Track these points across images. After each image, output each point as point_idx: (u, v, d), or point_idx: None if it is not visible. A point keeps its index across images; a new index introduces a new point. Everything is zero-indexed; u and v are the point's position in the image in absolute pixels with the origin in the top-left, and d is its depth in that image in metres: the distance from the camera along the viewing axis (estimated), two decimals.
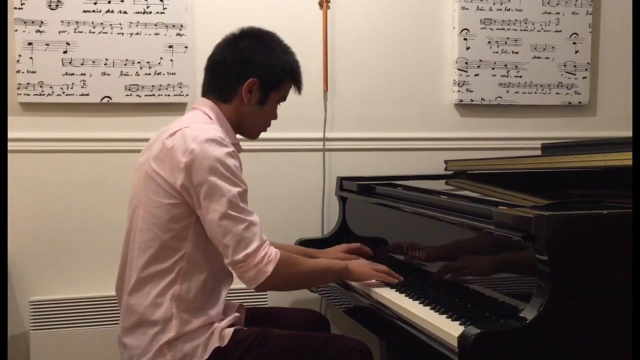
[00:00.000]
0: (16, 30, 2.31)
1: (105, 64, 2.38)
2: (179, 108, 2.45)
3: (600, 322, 1.40)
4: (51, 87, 2.35)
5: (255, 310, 2.02)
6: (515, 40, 2.74)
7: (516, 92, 2.76)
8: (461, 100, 2.71)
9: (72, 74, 2.36)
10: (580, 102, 2.83)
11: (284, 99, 1.85)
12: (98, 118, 2.42)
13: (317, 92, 2.59)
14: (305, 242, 2.35)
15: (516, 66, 2.75)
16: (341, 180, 2.50)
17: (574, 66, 2.80)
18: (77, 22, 2.35)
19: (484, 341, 1.32)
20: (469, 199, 1.90)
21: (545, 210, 1.42)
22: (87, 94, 2.38)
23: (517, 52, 2.74)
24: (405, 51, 2.68)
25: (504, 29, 2.72)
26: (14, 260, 2.36)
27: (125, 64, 2.40)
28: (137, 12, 2.39)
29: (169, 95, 2.44)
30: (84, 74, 2.37)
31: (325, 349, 1.70)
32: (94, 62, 2.38)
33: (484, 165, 2.52)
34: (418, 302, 1.71)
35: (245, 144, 1.92)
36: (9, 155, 2.23)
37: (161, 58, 2.43)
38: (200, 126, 1.67)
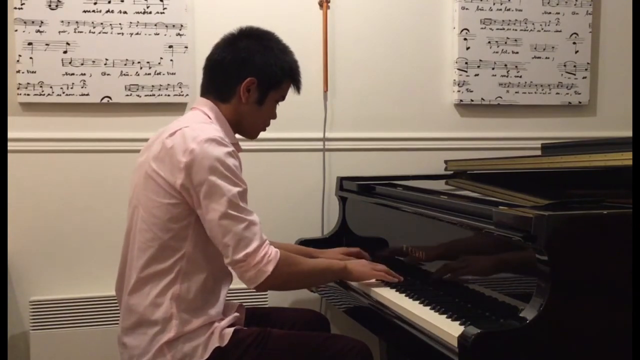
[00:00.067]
0: (16, 30, 2.31)
1: (105, 64, 2.38)
2: (179, 108, 2.45)
3: (600, 322, 1.40)
4: (51, 87, 2.35)
5: (255, 310, 2.02)
6: (515, 40, 2.74)
7: (516, 92, 2.76)
8: (461, 100, 2.71)
9: (72, 74, 2.36)
10: (580, 102, 2.83)
11: (282, 98, 1.85)
12: (98, 118, 2.42)
13: (317, 92, 2.59)
14: (305, 242, 2.35)
15: (516, 66, 2.75)
16: (341, 180, 2.50)
17: (574, 66, 2.80)
18: (77, 22, 2.35)
19: (484, 341, 1.32)
20: (469, 199, 1.90)
21: (545, 210, 1.42)
22: (87, 94, 2.38)
23: (517, 52, 2.74)
24: (405, 51, 2.68)
25: (504, 29, 2.72)
26: (14, 260, 2.36)
27: (125, 64, 2.40)
28: (137, 12, 2.39)
29: (169, 95, 2.44)
30: (84, 74, 2.37)
31: (325, 349, 1.70)
32: (94, 62, 2.38)
33: (484, 165, 2.52)
34: (418, 302, 1.71)
35: (245, 144, 1.92)
36: (9, 155, 2.23)
37: (161, 58, 2.43)
38: (200, 126, 1.67)
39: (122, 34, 2.38)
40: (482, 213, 1.60)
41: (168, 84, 2.44)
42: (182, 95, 2.45)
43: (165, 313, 1.64)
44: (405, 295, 1.77)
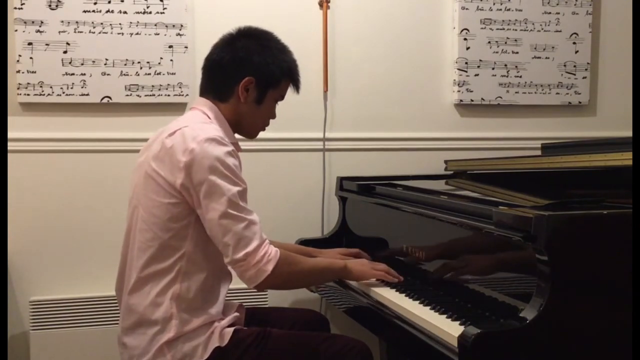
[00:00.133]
0: (16, 30, 2.31)
1: (105, 64, 2.38)
2: (179, 108, 2.45)
3: (600, 322, 1.40)
4: (51, 87, 2.35)
5: (255, 310, 2.02)
6: (515, 40, 2.74)
7: (516, 92, 2.76)
8: (461, 100, 2.71)
9: (72, 74, 2.36)
10: (580, 102, 2.83)
11: (282, 98, 1.85)
12: (98, 118, 2.42)
13: (317, 92, 2.59)
14: (305, 242, 2.35)
15: (516, 66, 2.75)
16: (341, 180, 2.50)
17: (574, 66, 2.80)
18: (77, 22, 2.35)
19: (484, 341, 1.32)
20: (469, 199, 1.90)
21: (545, 210, 1.42)
22: (87, 94, 2.38)
23: (517, 52, 2.74)
24: (405, 51, 2.68)
25: (504, 29, 2.72)
26: (14, 260, 2.36)
27: (125, 64, 2.40)
28: (137, 12, 2.39)
29: (169, 95, 2.44)
30: (84, 74, 2.37)
31: (325, 348, 1.70)
32: (94, 62, 2.38)
33: (484, 165, 2.52)
34: (418, 302, 1.71)
35: (245, 144, 1.92)
36: (9, 155, 2.23)
37: (161, 58, 2.43)
38: (200, 125, 1.67)
39: (122, 34, 2.38)
40: (482, 213, 1.60)
41: (168, 84, 2.44)
42: (182, 95, 2.45)
43: (165, 313, 1.64)
44: (405, 295, 1.77)
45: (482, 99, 2.73)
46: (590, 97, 2.84)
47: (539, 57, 2.76)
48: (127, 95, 2.41)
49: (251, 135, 1.86)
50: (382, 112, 2.67)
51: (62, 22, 2.34)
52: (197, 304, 1.67)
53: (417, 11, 2.68)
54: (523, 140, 2.76)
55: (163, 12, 2.41)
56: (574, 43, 2.79)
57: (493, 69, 2.72)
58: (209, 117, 1.74)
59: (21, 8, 2.30)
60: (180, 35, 2.43)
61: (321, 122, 2.60)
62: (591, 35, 2.80)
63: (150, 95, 2.43)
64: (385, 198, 2.15)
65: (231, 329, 1.69)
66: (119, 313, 1.78)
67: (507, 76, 2.74)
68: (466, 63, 2.70)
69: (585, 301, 1.40)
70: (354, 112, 2.64)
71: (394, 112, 2.68)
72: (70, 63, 2.36)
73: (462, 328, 1.42)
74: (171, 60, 2.43)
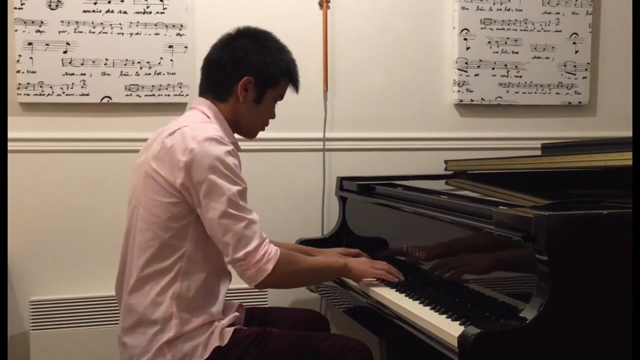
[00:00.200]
0: (16, 30, 2.31)
1: (105, 64, 2.38)
2: (179, 108, 2.45)
3: (600, 322, 1.40)
4: (51, 87, 2.35)
5: (255, 310, 2.02)
6: (515, 40, 2.74)
7: (516, 92, 2.76)
8: (461, 100, 2.71)
9: (72, 74, 2.36)
10: (580, 102, 2.83)
11: (281, 97, 1.85)
12: (98, 118, 2.42)
13: (317, 92, 2.59)
14: (305, 242, 2.35)
15: (516, 66, 2.75)
16: (341, 180, 2.50)
17: (574, 66, 2.80)
18: (77, 22, 2.35)
19: (484, 341, 1.32)
20: (469, 199, 1.90)
21: (545, 210, 1.42)
22: (87, 94, 2.38)
23: (517, 52, 2.74)
24: (405, 51, 2.68)
25: (504, 29, 2.72)
26: (14, 260, 2.36)
27: (125, 64, 2.40)
28: (137, 12, 2.39)
29: (169, 95, 2.44)
30: (84, 74, 2.37)
31: (325, 348, 1.70)
32: (94, 62, 2.38)
33: (484, 165, 2.52)
34: (418, 302, 1.71)
35: (245, 144, 1.92)
36: (9, 155, 2.23)
37: (161, 58, 2.43)
38: (199, 125, 1.67)
39: (122, 34, 2.38)
40: (482, 213, 1.60)
41: (168, 84, 2.44)
42: (182, 95, 2.45)
43: (165, 312, 1.64)
44: (405, 295, 1.77)
45: (482, 99, 2.73)
46: (590, 97, 2.84)
47: (539, 57, 2.76)
48: (127, 95, 2.41)
49: (250, 135, 1.86)
50: (382, 112, 2.67)
51: (62, 22, 2.34)
52: (197, 303, 1.67)
53: (417, 11, 2.68)
54: (523, 140, 2.76)
55: (163, 12, 2.41)
56: (574, 43, 2.79)
57: (493, 69, 2.72)
58: (208, 117, 1.74)
59: (21, 8, 2.30)
60: (180, 35, 2.43)
61: (321, 122, 2.60)
62: (591, 35, 2.80)
63: (150, 95, 2.43)
64: (385, 198, 2.15)
65: (231, 329, 1.69)
66: (118, 313, 1.78)
67: (507, 76, 2.74)
68: (466, 63, 2.70)
69: (585, 301, 1.40)
70: (354, 112, 2.64)
71: (394, 112, 2.68)
72: (70, 63, 2.36)
73: (462, 328, 1.42)
74: (171, 60, 2.43)
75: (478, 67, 2.71)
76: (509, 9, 2.72)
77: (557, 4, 2.76)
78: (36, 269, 2.39)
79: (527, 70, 2.76)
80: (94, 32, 2.36)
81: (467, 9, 2.67)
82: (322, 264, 1.88)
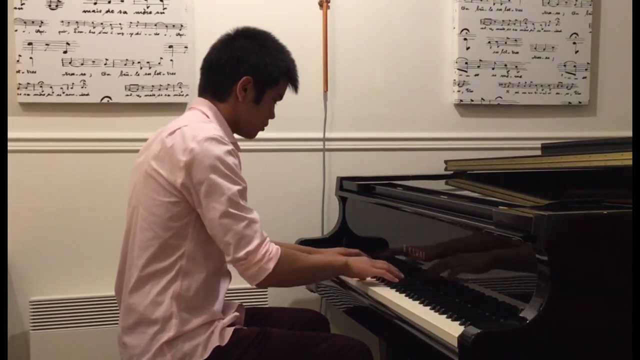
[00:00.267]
0: (16, 30, 2.31)
1: (105, 64, 2.38)
2: (179, 108, 2.45)
3: (600, 322, 1.40)
4: (51, 87, 2.35)
5: (255, 310, 2.02)
6: (515, 40, 2.74)
7: (516, 92, 2.76)
8: (461, 100, 2.71)
9: (72, 74, 2.36)
10: (580, 102, 2.83)
11: (280, 97, 1.85)
12: (98, 118, 2.42)
13: (317, 92, 2.59)
14: (305, 242, 2.35)
15: (516, 66, 2.75)
16: (341, 180, 2.50)
17: (574, 66, 2.80)
18: (77, 22, 2.35)
19: (484, 341, 1.32)
20: (469, 199, 1.90)
21: (545, 210, 1.42)
22: (87, 94, 2.38)
23: (517, 52, 2.74)
24: (405, 51, 2.68)
25: (504, 29, 2.72)
26: (14, 260, 2.36)
27: (125, 64, 2.40)
28: (137, 12, 2.39)
29: (169, 95, 2.44)
30: (84, 74, 2.37)
31: (325, 348, 1.70)
32: (94, 62, 2.38)
33: (484, 165, 2.52)
34: (418, 302, 1.71)
35: (245, 144, 1.92)
36: (9, 155, 2.23)
37: (161, 58, 2.43)
38: (199, 125, 1.67)
39: (122, 34, 2.38)
40: (482, 213, 1.60)
41: (168, 84, 2.44)
42: (182, 95, 2.45)
43: (165, 312, 1.64)
44: (405, 295, 1.77)
45: (482, 99, 2.73)
46: (590, 97, 2.84)
47: (539, 57, 2.76)
48: (127, 95, 2.41)
49: (250, 135, 1.86)
50: (382, 112, 2.67)
51: (62, 22, 2.34)
52: (198, 303, 1.67)
53: (417, 11, 2.68)
54: (523, 140, 2.76)
55: (163, 12, 2.41)
56: (574, 43, 2.79)
57: (493, 69, 2.72)
58: (208, 117, 1.74)
59: (21, 8, 2.30)
60: (180, 35, 2.43)
61: (321, 122, 2.60)
62: (591, 35, 2.80)
63: (150, 95, 2.43)
64: (385, 198, 2.15)
65: (231, 329, 1.69)
66: (118, 313, 1.78)
67: (507, 76, 2.74)
68: (466, 63, 2.70)
69: (585, 301, 1.40)
70: (354, 112, 2.64)
71: (394, 112, 2.68)
72: (70, 63, 2.36)
73: (462, 328, 1.42)
74: (171, 60, 2.43)
75: (478, 67, 2.71)
76: (509, 9, 2.72)
77: (557, 4, 2.76)
78: (36, 269, 2.39)
79: (527, 70, 2.76)
80: (94, 32, 2.36)
81: (467, 9, 2.67)
82: (323, 263, 1.88)
